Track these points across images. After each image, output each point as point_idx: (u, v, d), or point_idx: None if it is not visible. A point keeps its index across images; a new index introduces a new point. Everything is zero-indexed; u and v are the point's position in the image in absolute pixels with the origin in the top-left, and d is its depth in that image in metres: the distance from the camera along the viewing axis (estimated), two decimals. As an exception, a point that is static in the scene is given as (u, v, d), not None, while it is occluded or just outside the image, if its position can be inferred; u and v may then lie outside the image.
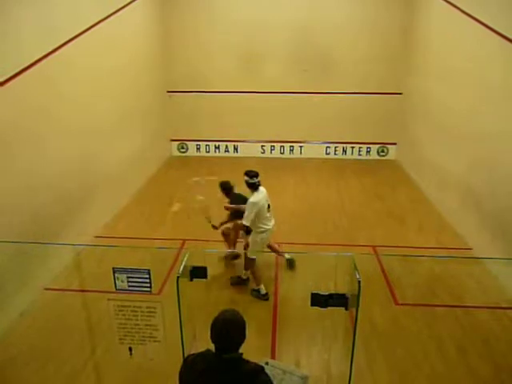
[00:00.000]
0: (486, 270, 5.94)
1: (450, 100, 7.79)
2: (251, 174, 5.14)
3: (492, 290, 5.60)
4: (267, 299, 5.35)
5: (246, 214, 5.05)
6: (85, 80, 6.65)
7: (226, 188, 5.98)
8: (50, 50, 5.67)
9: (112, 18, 7.42)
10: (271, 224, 5.37)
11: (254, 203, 5.03)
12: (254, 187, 5.14)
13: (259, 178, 5.15)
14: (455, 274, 5.82)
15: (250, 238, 5.36)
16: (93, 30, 6.78)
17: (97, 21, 6.93)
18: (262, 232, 5.26)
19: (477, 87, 6.76)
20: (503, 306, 5.22)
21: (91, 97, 6.84)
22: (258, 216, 5.11)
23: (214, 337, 2.23)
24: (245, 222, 5.07)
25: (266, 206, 5.24)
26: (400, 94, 10.62)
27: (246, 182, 5.16)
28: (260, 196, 5.14)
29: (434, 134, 8.62)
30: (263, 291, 5.36)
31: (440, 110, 8.30)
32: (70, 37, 6.18)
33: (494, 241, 5.98)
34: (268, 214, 5.29)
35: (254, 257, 5.34)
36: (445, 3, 7.92)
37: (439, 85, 8.37)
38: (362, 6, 10.18)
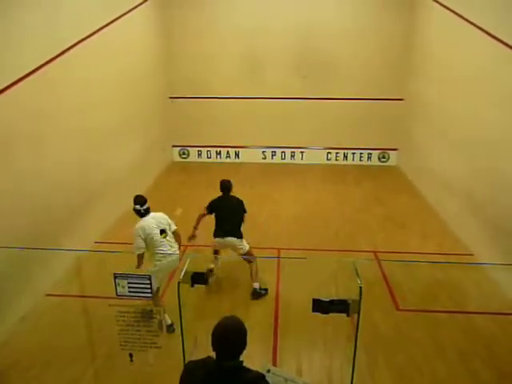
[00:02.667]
0: (488, 275, 5.92)
1: (452, 106, 7.80)
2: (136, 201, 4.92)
3: (493, 295, 5.58)
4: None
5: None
6: (86, 85, 6.68)
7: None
8: (52, 56, 5.72)
9: (114, 23, 7.47)
10: (168, 250, 4.90)
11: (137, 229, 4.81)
12: (139, 214, 4.92)
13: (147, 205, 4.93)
14: (456, 279, 5.81)
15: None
16: (95, 35, 6.83)
17: (99, 27, 6.98)
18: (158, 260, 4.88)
19: (478, 94, 6.77)
20: (505, 311, 5.20)
21: (93, 102, 6.86)
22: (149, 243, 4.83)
23: (215, 344, 2.22)
24: (133, 251, 4.78)
25: (157, 231, 4.88)
26: (401, 99, 10.64)
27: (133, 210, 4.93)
28: (146, 222, 4.85)
29: (435, 140, 8.63)
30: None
31: (441, 116, 8.32)
32: (73, 43, 6.23)
33: (495, 246, 5.96)
34: (161, 239, 4.89)
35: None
36: (446, 10, 7.96)
37: (440, 91, 8.39)
38: (364, 12, 10.22)
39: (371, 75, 10.57)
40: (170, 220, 5.13)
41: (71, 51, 6.18)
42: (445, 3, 8.07)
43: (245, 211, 5.95)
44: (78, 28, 6.45)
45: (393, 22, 10.15)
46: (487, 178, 6.38)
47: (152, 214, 4.98)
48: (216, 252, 5.93)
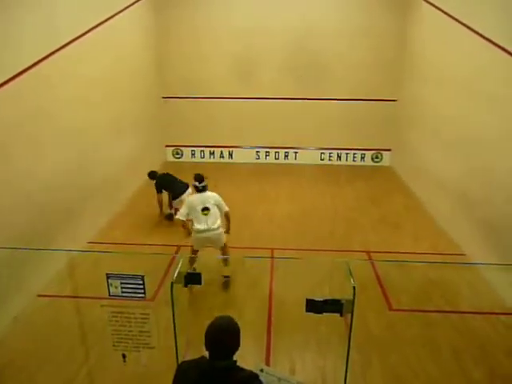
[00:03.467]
0: (480, 275, 5.96)
1: (445, 107, 7.85)
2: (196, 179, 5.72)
3: (486, 295, 5.61)
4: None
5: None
6: (80, 84, 6.65)
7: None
8: (46, 54, 5.68)
9: (108, 22, 7.44)
10: (203, 227, 5.48)
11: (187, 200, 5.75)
12: (197, 190, 5.71)
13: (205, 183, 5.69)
14: (449, 279, 5.84)
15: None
16: (89, 34, 6.79)
17: (93, 25, 6.94)
18: (196, 232, 5.55)
19: (471, 94, 6.82)
20: (497, 311, 5.24)
21: (86, 101, 6.83)
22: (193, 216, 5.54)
23: (208, 344, 2.22)
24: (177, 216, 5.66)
25: (200, 208, 5.52)
26: (395, 100, 10.68)
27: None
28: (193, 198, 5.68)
29: (428, 141, 8.67)
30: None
31: (434, 117, 8.36)
32: (67, 41, 6.20)
33: (488, 247, 6.00)
34: (201, 216, 5.51)
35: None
36: (438, 11, 8.01)
37: (433, 92, 8.44)
38: (357, 13, 10.25)
39: (364, 76, 10.60)
40: (222, 202, 5.69)
41: (66, 49, 6.14)
42: (437, 4, 8.12)
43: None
44: (72, 26, 6.41)
45: (386, 23, 10.20)
46: (480, 178, 6.43)
47: (206, 193, 5.63)
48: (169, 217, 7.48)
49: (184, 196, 7.11)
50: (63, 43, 6.10)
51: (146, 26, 9.78)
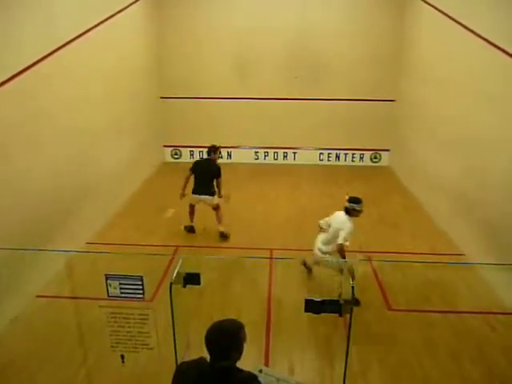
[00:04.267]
0: (479, 275, 5.97)
1: (442, 107, 7.86)
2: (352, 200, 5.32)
3: (484, 295, 5.62)
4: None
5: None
6: (78, 84, 6.63)
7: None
8: (45, 54, 5.66)
9: (107, 22, 7.43)
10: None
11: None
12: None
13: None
14: (448, 279, 5.85)
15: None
16: (88, 34, 6.78)
17: (92, 25, 6.93)
18: None
19: (469, 94, 6.83)
20: (495, 311, 5.25)
21: (84, 101, 6.82)
22: None
23: (207, 344, 2.23)
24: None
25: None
26: (393, 100, 10.70)
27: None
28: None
29: (426, 141, 8.68)
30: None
31: (432, 117, 8.37)
32: (67, 40, 6.19)
33: (486, 246, 6.01)
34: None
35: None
36: (436, 11, 8.03)
37: (431, 91, 8.45)
38: (356, 13, 10.27)
39: (363, 76, 10.61)
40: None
41: (65, 49, 6.13)
42: (435, 4, 8.14)
43: (219, 176, 7.04)
44: (71, 26, 6.40)
45: (384, 23, 10.21)
46: (478, 178, 6.43)
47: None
48: (192, 207, 7.30)
49: (194, 197, 7.13)
50: (63, 43, 6.09)
51: (146, 25, 9.78)
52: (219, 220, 7.18)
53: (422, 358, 4.48)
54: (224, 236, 7.16)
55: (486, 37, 6.25)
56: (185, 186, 7.10)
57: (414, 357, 4.49)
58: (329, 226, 5.44)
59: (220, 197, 7.09)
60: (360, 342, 4.53)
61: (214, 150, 7.19)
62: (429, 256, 6.53)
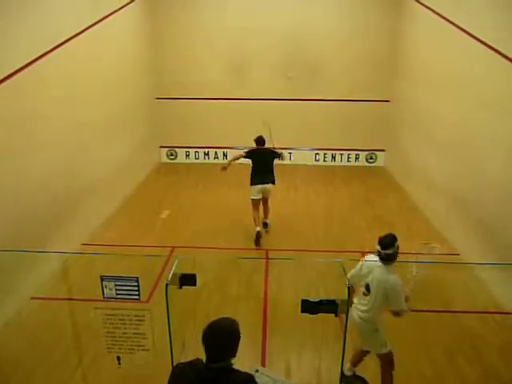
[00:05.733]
0: (474, 274, 5.99)
1: (437, 107, 7.89)
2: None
3: (479, 294, 5.65)
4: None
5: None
6: (73, 84, 6.61)
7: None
8: (40, 54, 5.64)
9: (102, 22, 7.41)
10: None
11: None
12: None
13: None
14: (443, 279, 5.86)
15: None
16: (83, 34, 6.76)
17: (87, 25, 6.91)
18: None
19: (464, 96, 6.86)
20: (490, 310, 5.27)
21: (79, 101, 6.79)
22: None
23: (204, 344, 2.22)
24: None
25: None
26: (388, 101, 10.73)
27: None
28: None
29: (421, 141, 8.71)
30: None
31: (427, 118, 8.40)
32: (62, 40, 6.17)
33: (481, 246, 6.04)
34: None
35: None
36: (431, 12, 8.05)
37: (426, 93, 8.48)
38: (351, 14, 10.29)
39: (358, 77, 10.64)
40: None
41: (60, 48, 6.10)
42: (430, 6, 8.16)
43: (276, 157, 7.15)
44: (66, 25, 6.38)
45: (379, 24, 10.25)
46: (473, 178, 6.46)
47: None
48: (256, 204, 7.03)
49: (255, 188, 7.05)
50: (58, 42, 6.07)
51: (141, 26, 9.76)
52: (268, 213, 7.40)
53: (417, 357, 4.49)
54: (267, 225, 7.44)
55: (482, 39, 6.26)
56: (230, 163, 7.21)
57: (410, 356, 4.50)
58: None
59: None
60: (356, 342, 4.53)
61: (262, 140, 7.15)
62: (424, 255, 6.53)
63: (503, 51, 5.71)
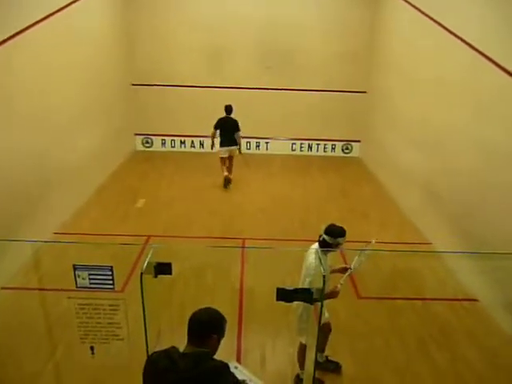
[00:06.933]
0: (444, 263, 6.15)
1: (411, 102, 8.00)
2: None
3: (449, 282, 5.81)
4: None
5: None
6: (45, 69, 6.42)
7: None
8: (8, 36, 5.41)
9: (76, 4, 7.18)
10: None
11: None
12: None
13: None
14: (415, 267, 5.99)
15: None
16: (55, 16, 6.53)
17: (59, 7, 6.68)
18: None
19: (438, 92, 6.96)
20: (459, 297, 5.44)
21: (52, 87, 6.61)
22: None
23: (190, 325, 2.27)
24: None
25: None
26: (364, 92, 10.82)
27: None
28: None
29: (395, 134, 8.84)
30: None
31: (401, 111, 8.53)
32: (29, 23, 5.92)
33: (452, 236, 6.21)
34: None
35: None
36: (410, 7, 8.09)
37: (401, 86, 8.60)
38: (330, 4, 10.32)
39: (335, 68, 10.69)
40: None
41: (27, 32, 5.87)
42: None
43: (239, 130, 8.89)
44: (35, 7, 6.12)
45: (358, 16, 10.30)
46: (445, 170, 6.61)
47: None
48: (223, 160, 8.96)
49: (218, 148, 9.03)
50: (25, 25, 5.83)
51: (116, 11, 9.54)
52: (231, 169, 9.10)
53: (390, 344, 4.60)
54: (229, 180, 8.88)
55: (459, 35, 6.31)
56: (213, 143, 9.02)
57: (383, 343, 4.61)
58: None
59: (240, 153, 9.10)
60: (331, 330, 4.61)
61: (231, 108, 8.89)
62: (397, 245, 6.67)
63: (481, 49, 5.73)
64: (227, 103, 8.93)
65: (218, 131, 8.90)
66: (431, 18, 7.18)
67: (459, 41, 6.27)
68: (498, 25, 5.53)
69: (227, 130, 8.83)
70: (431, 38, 7.24)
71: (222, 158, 9.01)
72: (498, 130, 5.35)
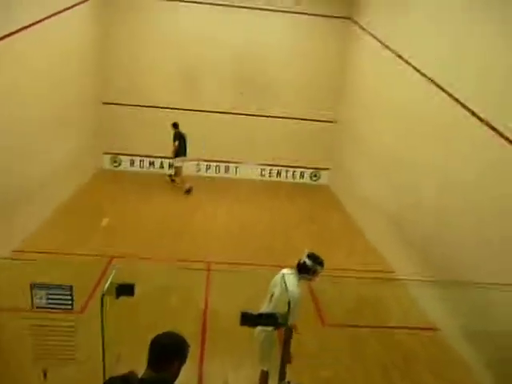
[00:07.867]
0: (408, 291, 6.27)
1: (378, 131, 8.28)
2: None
3: (411, 310, 5.91)
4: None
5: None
6: (15, 81, 6.28)
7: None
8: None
9: (50, 19, 7.12)
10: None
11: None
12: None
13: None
14: (379, 295, 6.08)
15: None
16: (28, 30, 6.44)
17: (34, 21, 6.60)
18: None
19: (403, 122, 7.24)
20: (421, 326, 5.53)
21: (20, 99, 6.44)
22: None
23: (151, 351, 2.22)
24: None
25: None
26: (333, 122, 11.11)
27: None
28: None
29: (363, 163, 9.08)
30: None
31: (369, 140, 8.79)
32: (5, 33, 5.85)
33: (415, 264, 6.35)
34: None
35: None
36: (376, 42, 8.47)
37: (368, 116, 8.90)
38: (303, 37, 10.66)
39: (306, 97, 10.96)
40: None
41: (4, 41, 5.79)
42: (375, 35, 8.60)
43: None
44: (9, 19, 6.05)
45: (331, 48, 10.67)
46: (409, 200, 6.81)
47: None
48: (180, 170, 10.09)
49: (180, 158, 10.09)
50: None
51: (92, 28, 9.51)
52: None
53: (353, 372, 4.60)
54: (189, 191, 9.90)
55: (420, 70, 6.65)
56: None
57: (346, 371, 4.60)
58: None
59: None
60: (293, 357, 4.57)
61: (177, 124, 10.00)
62: (362, 273, 6.76)
63: (441, 84, 6.06)
64: (175, 121, 9.98)
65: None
66: (397, 55, 7.53)
67: (418, 73, 6.60)
68: (451, 56, 5.94)
69: (183, 142, 10.02)
70: (395, 71, 7.57)
71: (179, 167, 10.17)
72: (455, 158, 5.62)
